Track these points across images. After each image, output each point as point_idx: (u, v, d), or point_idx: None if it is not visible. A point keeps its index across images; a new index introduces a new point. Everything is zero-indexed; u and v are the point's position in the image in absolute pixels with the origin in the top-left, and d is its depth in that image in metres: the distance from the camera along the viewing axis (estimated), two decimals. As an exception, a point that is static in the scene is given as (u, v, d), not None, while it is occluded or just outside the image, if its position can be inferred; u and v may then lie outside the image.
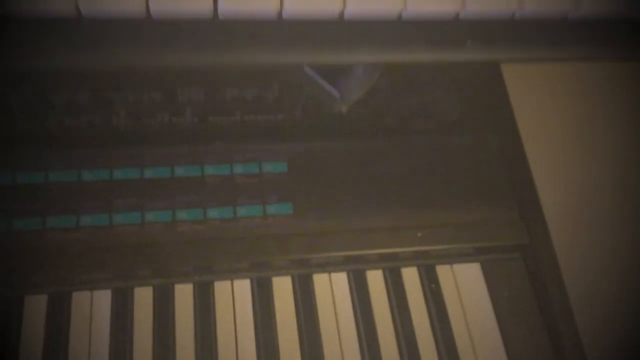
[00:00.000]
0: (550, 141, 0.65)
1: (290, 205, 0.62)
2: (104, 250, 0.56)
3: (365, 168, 0.64)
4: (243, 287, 0.58)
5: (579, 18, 0.37)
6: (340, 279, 0.60)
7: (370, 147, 0.64)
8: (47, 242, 0.56)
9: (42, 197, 0.58)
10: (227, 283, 0.58)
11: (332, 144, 0.64)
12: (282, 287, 0.58)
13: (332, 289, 0.59)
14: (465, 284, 0.62)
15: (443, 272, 0.62)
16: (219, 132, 0.62)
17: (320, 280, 0.59)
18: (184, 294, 0.57)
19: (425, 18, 0.35)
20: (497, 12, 0.35)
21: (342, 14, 0.34)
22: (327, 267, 0.60)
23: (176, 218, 0.60)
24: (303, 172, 0.63)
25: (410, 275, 0.61)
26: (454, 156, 0.65)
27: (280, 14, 0.33)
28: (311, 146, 0.64)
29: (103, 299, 0.55)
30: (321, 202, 0.62)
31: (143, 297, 0.56)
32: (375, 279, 0.60)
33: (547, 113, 0.67)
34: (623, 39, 0.39)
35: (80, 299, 0.56)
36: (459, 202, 0.63)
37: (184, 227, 0.59)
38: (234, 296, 0.57)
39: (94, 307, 0.54)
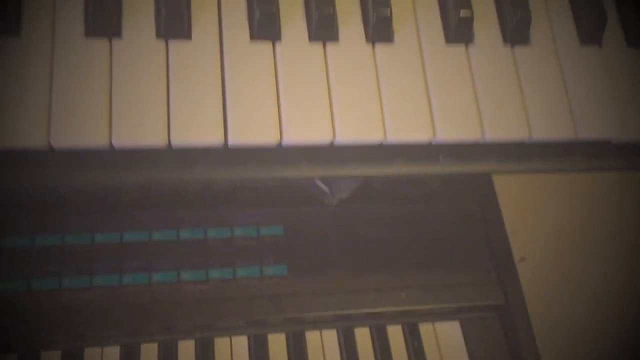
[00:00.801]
0: (527, 210, 0.71)
1: (285, 267, 0.68)
2: (114, 308, 0.61)
3: (355, 232, 0.69)
4: (240, 344, 0.63)
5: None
6: (331, 337, 0.65)
7: (360, 213, 0.70)
8: (62, 301, 0.62)
9: (58, 259, 0.63)
10: (226, 340, 0.63)
11: (324, 209, 0.69)
12: (277, 344, 0.64)
13: (322, 346, 0.64)
14: (446, 341, 0.67)
15: (425, 329, 0.67)
16: (221, 198, 0.68)
17: (312, 338, 0.65)
18: (186, 350, 0.62)
19: (402, 143, 0.41)
20: (463, 139, 0.41)
21: (332, 142, 0.40)
22: (319, 325, 0.65)
23: (181, 278, 0.65)
24: (298, 235, 0.69)
25: (395, 333, 0.67)
26: (437, 222, 0.70)
27: (280, 143, 0.39)
28: (305, 211, 0.69)
29: (112, 355, 0.61)
30: (314, 263, 0.68)
31: (148, 353, 0.62)
32: (362, 336, 0.66)
33: (524, 183, 0.73)
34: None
35: (91, 354, 0.61)
36: (441, 265, 0.69)
37: (187, 287, 0.64)
38: (232, 352, 0.63)
39: (104, 363, 0.60)
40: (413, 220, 0.71)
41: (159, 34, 0.39)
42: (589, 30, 0.45)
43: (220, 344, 0.63)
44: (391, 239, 0.70)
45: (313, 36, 0.41)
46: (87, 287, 0.63)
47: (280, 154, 0.40)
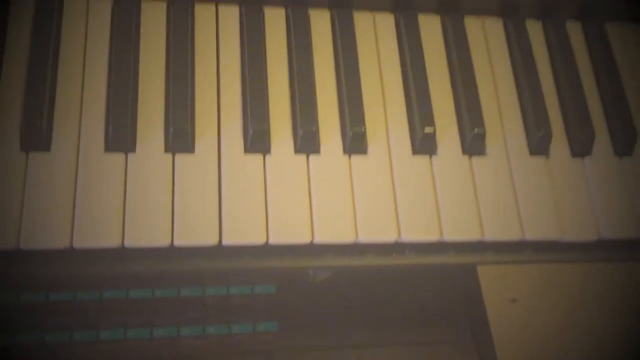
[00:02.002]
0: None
1: (276, 324, 0.74)
2: (120, 360, 0.68)
3: (342, 293, 0.76)
4: (233, 395, 0.69)
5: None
6: (316, 390, 0.71)
7: (348, 276, 0.76)
8: (72, 353, 0.68)
9: (69, 314, 0.70)
10: (220, 391, 0.70)
11: (313, 270, 0.76)
12: (266, 396, 0.70)
13: (308, 400, 0.71)
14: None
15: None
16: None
17: (298, 390, 0.71)
18: (183, 401, 0.68)
19: (373, 242, 0.48)
20: (425, 240, 0.48)
21: (312, 241, 0.47)
22: (305, 378, 0.71)
23: (180, 334, 0.71)
24: (288, 294, 0.75)
25: (377, 387, 0.73)
26: (420, 294, 0.77)
27: (267, 242, 0.46)
28: (297, 272, 0.76)
29: (117, 404, 0.67)
30: (302, 320, 0.74)
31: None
32: (345, 391, 0.72)
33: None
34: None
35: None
36: (420, 336, 0.75)
37: (186, 342, 0.71)
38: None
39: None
40: (395, 284, 0.77)
41: (167, 149, 0.47)
42: (537, 143, 0.52)
43: (214, 396, 0.69)
44: (375, 300, 0.76)
45: (298, 149, 0.49)
46: (95, 341, 0.70)
47: (268, 249, 0.47)
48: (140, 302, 0.73)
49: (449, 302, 0.78)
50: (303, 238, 0.46)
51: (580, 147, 0.53)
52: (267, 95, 0.50)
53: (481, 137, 0.51)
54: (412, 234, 0.48)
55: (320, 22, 0.54)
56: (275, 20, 0.53)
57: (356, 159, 0.49)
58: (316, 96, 0.50)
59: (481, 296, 0.77)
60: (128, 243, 0.44)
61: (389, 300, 0.77)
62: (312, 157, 0.49)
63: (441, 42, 0.55)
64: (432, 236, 0.48)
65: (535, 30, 0.57)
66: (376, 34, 0.55)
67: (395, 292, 0.77)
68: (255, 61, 0.51)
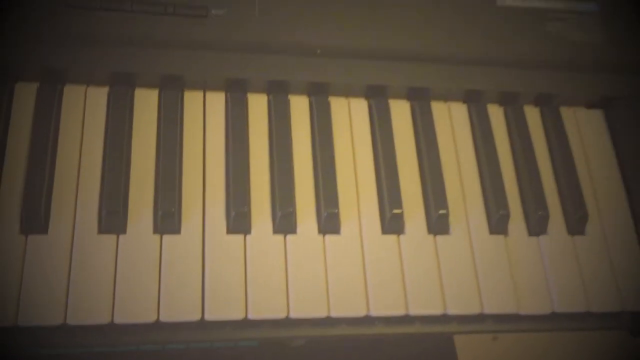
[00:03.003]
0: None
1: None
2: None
3: (319, 344, 0.79)
4: None
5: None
6: None
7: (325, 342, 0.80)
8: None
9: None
10: None
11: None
12: None
13: None
14: None
15: None
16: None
17: None
18: None
19: (344, 317, 0.52)
20: (392, 314, 0.52)
21: (287, 317, 0.51)
22: None
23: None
24: (270, 348, 0.79)
25: None
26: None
27: (245, 317, 0.50)
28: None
29: None
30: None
31: None
32: None
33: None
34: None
35: None
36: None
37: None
38: None
39: None
40: (373, 348, 0.81)
41: (155, 230, 0.51)
42: (496, 223, 0.56)
43: None
44: (357, 355, 0.80)
45: (276, 229, 0.53)
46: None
47: (248, 321, 0.51)
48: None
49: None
50: (280, 313, 0.51)
51: (536, 227, 0.57)
52: (249, 178, 0.54)
53: (445, 218, 0.55)
54: (380, 309, 0.52)
55: (300, 107, 0.59)
56: (258, 105, 0.58)
57: (330, 238, 0.54)
58: (294, 179, 0.54)
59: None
60: (117, 319, 0.48)
61: (369, 354, 0.81)
62: (289, 237, 0.53)
63: (410, 126, 0.60)
64: (398, 311, 0.52)
65: (496, 115, 0.62)
66: (350, 119, 0.59)
67: (373, 355, 0.81)
68: (238, 145, 0.55)
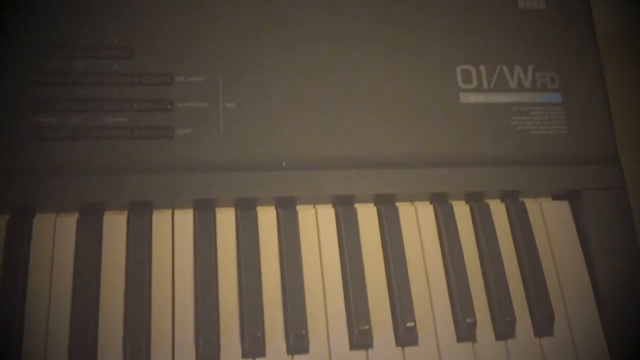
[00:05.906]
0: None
1: None
2: None
3: None
4: None
5: None
6: None
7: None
8: None
9: None
10: None
11: None
12: None
13: None
14: None
15: None
16: None
17: None
18: None
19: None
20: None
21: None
22: None
23: None
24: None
25: None
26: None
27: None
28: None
29: None
30: None
31: None
32: None
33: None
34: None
35: None
36: None
37: None
38: None
39: None
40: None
41: (124, 364, 0.52)
42: (464, 331, 0.57)
43: None
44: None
45: (245, 354, 0.54)
46: None
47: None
48: None
49: None
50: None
51: (503, 332, 0.58)
52: (217, 300, 0.55)
53: (413, 330, 0.56)
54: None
55: (268, 219, 0.60)
56: (225, 220, 0.59)
57: (298, 357, 0.55)
58: (262, 300, 0.56)
59: None
60: None
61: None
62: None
63: (377, 229, 0.61)
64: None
65: (463, 211, 0.63)
66: (318, 226, 0.60)
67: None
68: (206, 263, 0.56)
